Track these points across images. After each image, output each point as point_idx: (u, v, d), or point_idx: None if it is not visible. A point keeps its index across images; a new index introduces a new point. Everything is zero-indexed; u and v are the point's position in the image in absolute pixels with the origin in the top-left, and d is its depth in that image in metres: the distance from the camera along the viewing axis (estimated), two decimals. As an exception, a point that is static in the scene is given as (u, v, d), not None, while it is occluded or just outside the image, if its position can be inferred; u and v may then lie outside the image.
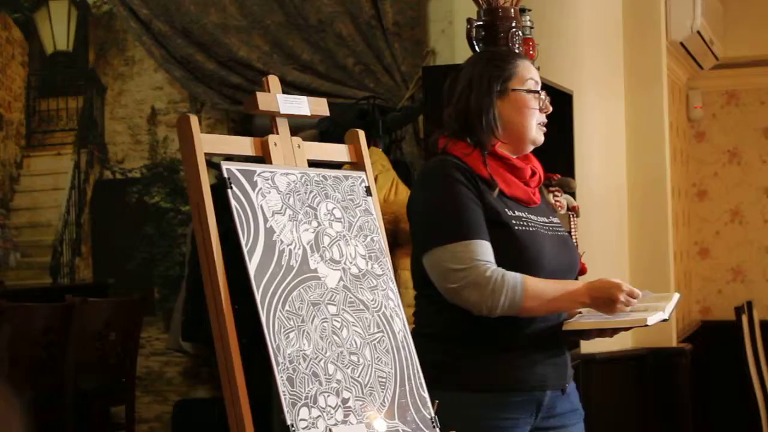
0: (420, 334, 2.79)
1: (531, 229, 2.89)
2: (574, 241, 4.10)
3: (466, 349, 2.86)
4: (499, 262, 2.82)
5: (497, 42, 3.89)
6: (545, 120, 3.01)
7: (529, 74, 2.98)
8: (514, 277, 2.77)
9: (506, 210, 2.88)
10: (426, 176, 2.99)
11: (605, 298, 2.81)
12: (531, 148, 3.01)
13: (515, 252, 2.84)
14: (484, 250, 2.81)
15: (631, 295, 2.80)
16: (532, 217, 2.93)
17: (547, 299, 2.80)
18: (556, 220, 3.03)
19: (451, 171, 2.88)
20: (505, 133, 2.95)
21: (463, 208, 2.84)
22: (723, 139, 7.66)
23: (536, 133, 2.98)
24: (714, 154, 7.67)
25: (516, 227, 2.87)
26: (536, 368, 2.88)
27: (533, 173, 3.00)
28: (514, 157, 2.97)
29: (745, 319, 6.73)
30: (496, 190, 2.89)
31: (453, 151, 2.94)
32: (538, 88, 2.98)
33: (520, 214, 2.90)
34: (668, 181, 5.72)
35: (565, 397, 2.96)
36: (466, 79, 2.98)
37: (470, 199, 2.85)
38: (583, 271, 4.00)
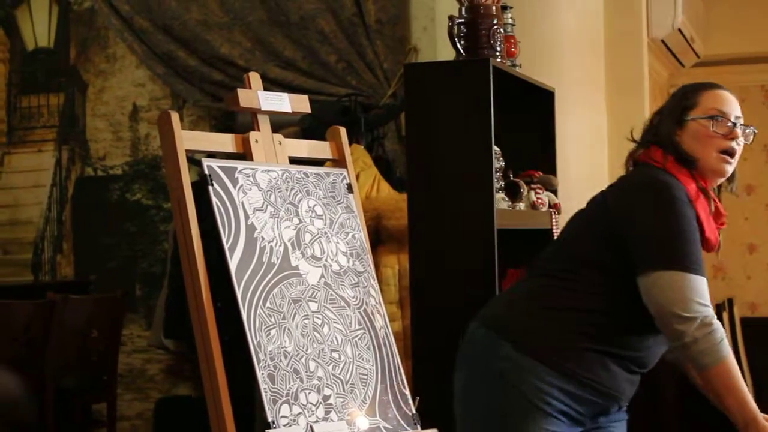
0: (552, 308, 2.84)
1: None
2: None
3: (593, 355, 2.87)
4: None
5: (479, 39, 3.90)
6: (731, 147, 2.96)
7: (713, 104, 2.98)
8: (727, 348, 2.82)
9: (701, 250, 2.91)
10: (655, 187, 2.92)
11: None
12: (717, 180, 3.00)
13: None
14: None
15: None
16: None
17: (727, 389, 2.84)
18: None
19: (684, 199, 2.89)
20: (689, 162, 2.96)
21: (697, 242, 2.87)
22: (704, 137, 7.68)
23: (716, 163, 2.96)
24: (695, 152, 7.69)
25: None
26: (620, 380, 2.91)
27: (722, 216, 3.02)
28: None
29: (726, 316, 6.75)
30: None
31: (678, 176, 2.94)
32: (723, 117, 2.96)
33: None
34: (649, 179, 5.72)
35: (620, 413, 3.04)
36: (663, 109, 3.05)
37: (696, 238, 2.87)
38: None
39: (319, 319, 2.44)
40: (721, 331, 2.82)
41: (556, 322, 2.88)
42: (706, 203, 2.96)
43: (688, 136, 2.97)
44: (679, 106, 3.01)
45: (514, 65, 4.31)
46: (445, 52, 4.25)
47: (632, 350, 2.91)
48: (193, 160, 2.50)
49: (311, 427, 2.29)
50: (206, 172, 2.37)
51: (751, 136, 3.02)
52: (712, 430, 7.00)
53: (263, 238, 2.41)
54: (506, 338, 2.85)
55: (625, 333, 2.86)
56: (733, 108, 3.00)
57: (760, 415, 2.85)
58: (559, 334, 2.88)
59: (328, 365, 2.41)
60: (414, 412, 2.57)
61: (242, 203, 2.40)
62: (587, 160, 5.40)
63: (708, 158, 2.96)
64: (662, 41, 6.29)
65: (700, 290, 2.81)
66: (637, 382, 2.98)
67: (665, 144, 2.98)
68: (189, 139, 2.37)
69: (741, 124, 2.99)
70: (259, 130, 2.56)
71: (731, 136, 2.96)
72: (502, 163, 4.00)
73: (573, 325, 2.86)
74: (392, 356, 2.58)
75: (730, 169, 2.99)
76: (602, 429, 2.98)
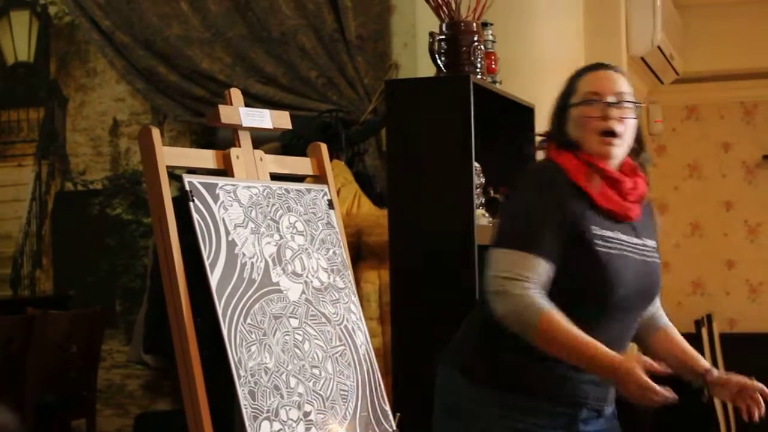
0: (490, 326, 2.81)
1: (614, 251, 2.85)
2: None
3: (519, 354, 2.83)
4: (575, 279, 2.80)
5: (459, 56, 3.91)
6: (609, 128, 2.91)
7: (588, 87, 2.95)
8: (538, 309, 2.71)
9: (593, 228, 2.85)
10: (527, 178, 2.97)
11: (636, 388, 2.71)
12: (608, 162, 2.93)
13: (591, 272, 2.81)
14: (539, 269, 2.77)
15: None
16: (622, 237, 2.89)
17: (566, 348, 2.74)
18: (651, 243, 2.98)
19: (550, 178, 2.88)
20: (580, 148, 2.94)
21: (542, 223, 2.81)
22: (683, 153, 7.72)
23: (597, 146, 2.92)
24: (674, 168, 7.73)
25: (597, 247, 2.83)
26: (579, 385, 2.87)
27: (633, 187, 2.93)
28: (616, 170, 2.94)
29: (705, 331, 6.77)
30: (588, 201, 2.87)
31: (557, 160, 2.94)
32: (598, 98, 2.92)
33: (608, 233, 2.86)
34: (629, 195, 5.74)
35: (603, 419, 2.97)
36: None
37: (553, 215, 2.82)
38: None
39: (300, 335, 2.44)
40: (530, 298, 2.72)
41: (495, 340, 2.85)
42: (599, 178, 2.90)
43: (571, 122, 2.95)
44: (563, 94, 3.00)
45: (494, 82, 4.33)
46: (425, 68, 4.26)
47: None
48: (174, 175, 2.50)
49: (291, 443, 2.29)
50: (187, 187, 2.37)
51: (636, 110, 2.95)
52: (683, 424, 7.03)
53: (244, 254, 2.41)
54: (457, 369, 2.87)
55: None
56: (611, 87, 2.93)
57: (618, 357, 2.71)
58: (499, 351, 2.86)
59: (309, 381, 2.41)
60: (394, 428, 2.57)
61: (223, 219, 2.40)
62: (567, 177, 5.41)
63: (590, 142, 2.91)
64: (642, 59, 6.32)
65: (509, 263, 2.75)
66: (607, 384, 2.89)
67: (553, 133, 2.98)
68: (170, 155, 2.37)
69: (624, 101, 2.92)
70: (240, 146, 2.56)
71: (607, 116, 2.90)
72: (483, 180, 4.01)
73: (510, 339, 2.81)
74: (373, 372, 2.58)
75: (615, 150, 2.91)
76: None
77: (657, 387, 2.66)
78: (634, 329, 3.01)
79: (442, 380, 2.91)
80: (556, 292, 2.77)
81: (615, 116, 2.90)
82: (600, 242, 2.83)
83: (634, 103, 2.94)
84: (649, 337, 3.12)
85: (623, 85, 2.96)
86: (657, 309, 3.16)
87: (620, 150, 2.93)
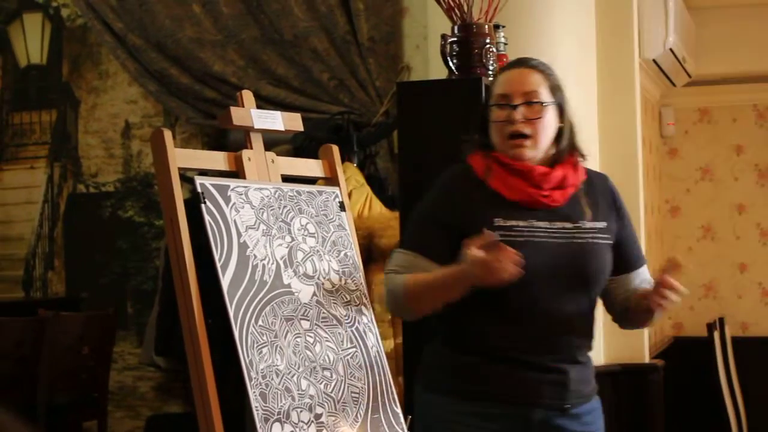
0: (435, 334, 2.84)
1: (520, 238, 2.85)
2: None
3: (459, 356, 2.84)
4: None
5: (471, 58, 3.91)
6: (515, 131, 2.90)
7: (497, 89, 2.96)
8: (398, 278, 2.75)
9: (496, 220, 2.86)
10: (436, 181, 3.01)
11: (486, 271, 2.68)
12: (523, 159, 2.92)
13: None
14: (416, 263, 2.80)
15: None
16: (538, 223, 2.89)
17: (429, 289, 2.74)
18: (589, 224, 2.94)
19: (449, 179, 2.93)
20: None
21: (426, 224, 2.88)
22: (695, 156, 7.70)
23: (508, 149, 2.92)
24: (686, 171, 7.70)
25: (501, 238, 2.82)
26: (524, 384, 2.85)
27: (547, 173, 2.91)
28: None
29: (717, 335, 6.75)
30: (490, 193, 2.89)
31: (470, 160, 2.97)
32: (505, 101, 2.91)
33: (515, 222, 2.87)
34: (641, 198, 5.73)
35: (572, 419, 2.92)
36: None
37: (442, 215, 2.86)
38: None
39: (311, 337, 2.44)
40: (389, 278, 2.75)
41: (438, 345, 2.89)
42: (504, 172, 2.90)
43: (489, 124, 2.96)
44: (487, 97, 3.01)
45: (506, 84, 4.32)
46: (437, 70, 4.26)
47: (504, 343, 2.84)
48: (186, 177, 2.50)
49: (303, 445, 2.29)
50: (199, 189, 2.37)
51: (544, 109, 2.91)
52: (695, 428, 6.99)
53: (255, 256, 2.40)
54: (419, 383, 2.88)
55: (482, 328, 2.80)
56: (519, 87, 2.92)
57: (457, 267, 2.72)
58: (441, 358, 2.87)
59: (320, 383, 2.41)
60: (405, 430, 2.56)
61: (235, 221, 2.40)
62: (579, 179, 5.40)
63: (502, 145, 2.93)
64: (654, 61, 6.31)
65: (395, 261, 2.80)
66: (563, 380, 2.88)
67: (474, 134, 3.00)
68: (182, 157, 2.37)
69: (531, 102, 2.90)
70: (251, 148, 2.56)
71: (513, 120, 2.89)
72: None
73: (448, 342, 2.84)
74: (384, 375, 2.58)
75: (526, 152, 2.90)
76: None
77: (492, 254, 2.65)
78: (582, 313, 2.95)
79: (414, 398, 2.92)
80: (473, 294, 2.77)
81: (520, 119, 2.90)
82: (502, 232, 2.82)
83: (542, 103, 2.91)
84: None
85: (533, 83, 2.95)
86: (637, 285, 3.07)
87: (532, 151, 2.92)
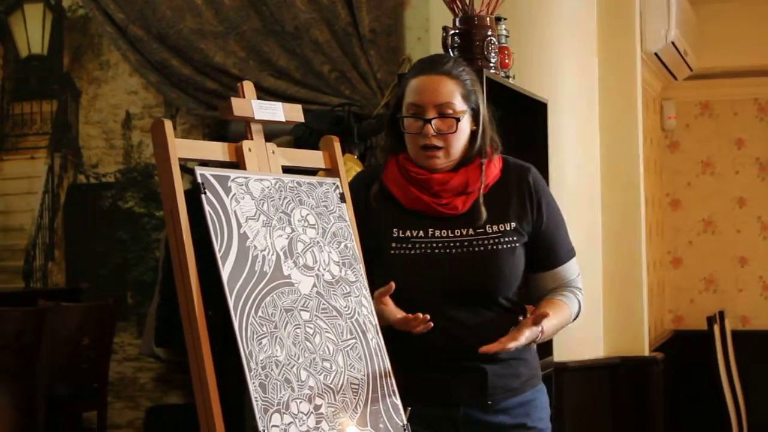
0: None
1: (413, 251, 2.85)
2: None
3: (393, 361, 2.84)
4: (378, 286, 2.78)
5: (473, 50, 3.91)
6: (426, 144, 2.85)
7: (409, 98, 2.88)
8: None
9: (394, 230, 2.87)
10: None
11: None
12: (437, 170, 2.88)
13: (385, 278, 2.77)
14: None
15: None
16: (438, 232, 2.86)
17: None
18: (494, 229, 2.88)
19: (356, 185, 2.91)
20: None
21: None
22: (696, 150, 7.70)
23: (421, 159, 2.88)
24: (687, 164, 7.71)
25: (392, 251, 2.85)
26: (440, 385, 2.86)
27: (446, 181, 2.87)
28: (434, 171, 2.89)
29: (717, 328, 6.76)
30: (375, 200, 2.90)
31: (386, 163, 2.97)
32: (417, 112, 2.86)
33: (411, 233, 2.86)
34: (642, 191, 5.74)
35: (502, 413, 2.91)
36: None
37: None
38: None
39: (311, 328, 2.44)
40: None
41: None
42: (404, 179, 2.89)
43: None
44: (397, 95, 2.95)
45: (507, 76, 4.32)
46: (438, 62, 4.24)
47: (416, 352, 2.84)
48: (186, 168, 2.49)
49: (302, 436, 2.29)
50: (199, 180, 2.36)
51: (457, 124, 2.83)
52: (695, 420, 7.01)
53: (255, 247, 2.40)
54: None
55: (397, 338, 2.74)
56: (432, 98, 2.84)
57: (393, 315, 2.75)
58: None
59: (320, 375, 2.41)
60: (405, 422, 2.57)
61: (235, 212, 2.40)
62: (580, 172, 5.41)
63: (414, 154, 2.89)
64: (655, 54, 6.31)
65: None
66: (480, 379, 2.86)
67: (388, 133, 2.98)
68: (182, 148, 2.37)
69: (438, 116, 2.83)
70: (252, 139, 2.56)
71: (427, 133, 2.84)
72: (495, 174, 4.00)
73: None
74: (383, 366, 2.58)
75: (438, 162, 2.86)
76: None
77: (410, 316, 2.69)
78: (493, 318, 2.89)
79: None
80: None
81: (433, 133, 2.84)
82: (395, 244, 2.84)
83: (456, 119, 2.84)
84: None
85: (446, 93, 2.86)
86: (556, 290, 3.02)
87: (444, 160, 2.87)
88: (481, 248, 2.86)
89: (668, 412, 5.82)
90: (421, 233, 2.87)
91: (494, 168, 2.95)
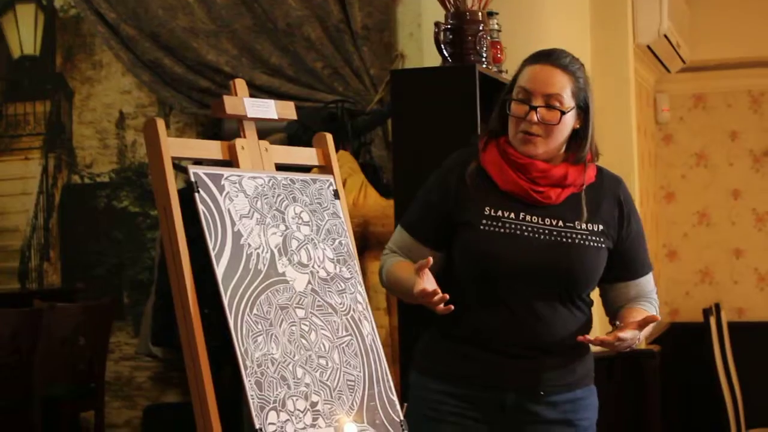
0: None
1: (503, 230, 2.88)
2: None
3: (438, 339, 2.92)
4: (460, 259, 2.89)
5: (465, 45, 3.91)
6: (527, 130, 2.91)
7: (522, 81, 2.95)
8: (387, 262, 2.92)
9: (486, 208, 2.89)
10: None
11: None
12: (531, 156, 2.93)
13: (472, 250, 2.87)
14: (407, 243, 2.94)
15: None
16: (529, 217, 2.91)
17: (397, 287, 2.88)
18: (582, 226, 2.93)
19: (453, 163, 3.00)
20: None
21: (420, 202, 2.99)
22: (690, 142, 7.70)
23: (517, 143, 2.92)
24: (682, 157, 7.71)
25: (482, 227, 2.88)
26: (494, 368, 2.89)
27: (547, 170, 2.92)
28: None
29: (713, 320, 6.76)
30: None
31: (481, 146, 3.00)
32: (526, 96, 2.91)
33: (503, 213, 2.89)
34: (636, 184, 5.74)
35: (547, 406, 2.95)
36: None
37: (434, 196, 2.96)
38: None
39: (306, 325, 2.44)
40: (384, 258, 2.96)
41: (428, 330, 3.00)
42: (503, 161, 2.94)
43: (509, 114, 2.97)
44: (514, 77, 3.02)
45: (500, 71, 4.32)
46: (431, 58, 4.26)
47: (479, 329, 2.89)
48: (180, 167, 2.49)
49: (299, 433, 2.29)
50: (192, 179, 2.36)
51: (560, 118, 2.90)
52: (691, 412, 7.01)
53: (250, 245, 2.40)
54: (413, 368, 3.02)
55: (457, 310, 2.77)
56: (542, 87, 2.91)
57: (417, 285, 2.74)
58: (428, 340, 2.99)
59: (316, 372, 2.41)
60: (402, 418, 2.57)
61: (228, 210, 2.40)
62: (574, 166, 5.41)
63: (513, 137, 2.94)
64: (648, 47, 6.31)
65: (392, 238, 2.99)
66: (535, 367, 2.92)
67: (491, 117, 3.04)
68: (175, 146, 2.37)
69: (545, 105, 2.90)
70: (245, 137, 2.56)
71: (530, 119, 2.90)
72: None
73: (435, 326, 2.94)
74: (380, 362, 2.58)
75: (533, 149, 2.91)
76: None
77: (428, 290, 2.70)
78: (562, 310, 2.95)
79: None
80: (450, 272, 2.91)
81: (537, 121, 2.89)
82: (486, 221, 2.88)
83: (562, 112, 2.90)
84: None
85: (558, 85, 2.92)
86: (636, 300, 3.08)
87: (542, 148, 2.92)
88: (569, 240, 2.91)
89: (665, 404, 5.82)
90: (512, 215, 2.91)
91: (591, 171, 3.02)
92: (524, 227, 2.90)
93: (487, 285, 2.86)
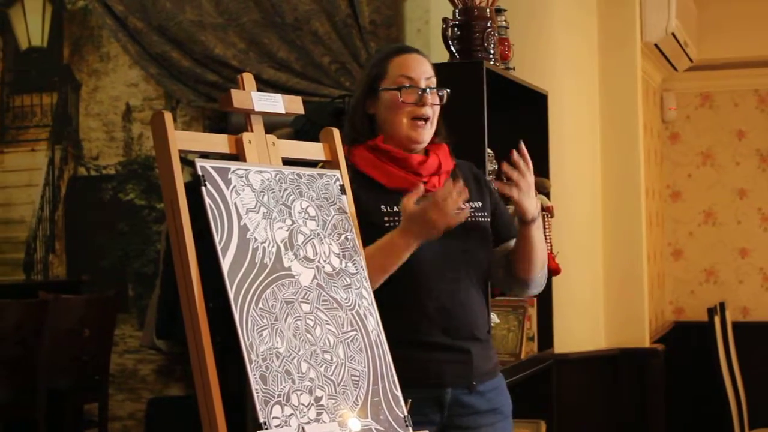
0: None
1: None
2: (548, 240, 4.11)
3: None
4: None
5: (472, 42, 3.91)
6: (423, 114, 2.98)
7: (400, 71, 2.99)
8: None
9: (382, 207, 2.93)
10: None
11: (424, 222, 2.77)
12: (416, 146, 3.01)
13: None
14: None
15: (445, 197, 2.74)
16: None
17: (371, 259, 2.75)
18: (472, 204, 2.98)
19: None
20: (383, 131, 3.01)
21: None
22: (697, 141, 7.70)
23: (408, 129, 2.98)
24: (688, 156, 7.70)
25: (387, 224, 2.90)
26: (431, 365, 2.91)
27: (424, 161, 2.99)
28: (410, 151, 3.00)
29: (717, 320, 6.76)
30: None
31: (350, 155, 2.99)
32: (411, 83, 2.97)
33: (398, 208, 2.89)
34: (642, 182, 5.74)
35: (478, 396, 2.98)
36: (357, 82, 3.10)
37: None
38: (557, 272, 4.02)
39: (312, 320, 2.44)
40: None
41: None
42: (383, 160, 2.98)
43: (382, 105, 3.00)
44: (371, 77, 3.03)
45: (507, 68, 4.32)
46: (438, 54, 4.26)
47: (406, 327, 2.87)
48: (186, 160, 2.49)
49: (303, 428, 2.29)
50: (199, 172, 2.36)
51: (445, 97, 3.02)
52: (695, 412, 7.01)
53: (256, 239, 2.40)
54: None
55: (386, 315, 2.70)
56: (422, 72, 3.00)
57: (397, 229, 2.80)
58: None
59: (320, 366, 2.41)
60: (406, 414, 2.57)
61: (235, 204, 2.40)
62: (580, 164, 5.41)
63: (400, 126, 2.98)
64: (656, 45, 6.30)
65: None
66: (467, 359, 2.94)
67: (353, 115, 3.04)
68: (182, 140, 2.37)
69: (432, 88, 2.99)
70: (252, 131, 2.56)
71: (421, 103, 2.97)
72: (495, 166, 4.01)
73: None
74: (384, 358, 2.58)
75: (424, 134, 3.00)
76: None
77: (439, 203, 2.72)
78: (476, 291, 3.01)
79: None
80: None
81: (428, 102, 2.98)
82: (388, 218, 2.91)
83: (444, 91, 3.01)
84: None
85: (431, 70, 3.03)
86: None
87: (428, 133, 3.01)
88: (469, 220, 2.95)
89: (668, 403, 5.82)
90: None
91: (448, 153, 3.10)
92: None
93: (409, 281, 2.87)
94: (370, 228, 2.85)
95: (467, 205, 2.82)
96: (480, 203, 3.07)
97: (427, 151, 3.04)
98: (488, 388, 3.02)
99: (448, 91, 3.04)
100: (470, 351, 2.97)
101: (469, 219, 2.95)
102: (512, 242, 3.10)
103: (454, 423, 2.96)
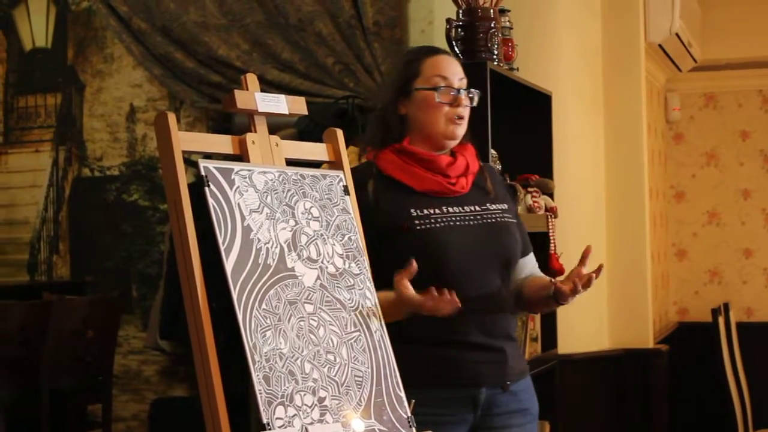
0: None
1: (438, 225, 2.92)
2: (552, 241, 4.11)
3: (399, 346, 2.83)
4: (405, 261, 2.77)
5: (476, 42, 3.91)
6: (459, 114, 3.00)
7: (435, 71, 3.00)
8: None
9: (412, 210, 2.92)
10: None
11: (418, 310, 2.70)
12: (449, 143, 3.02)
13: (419, 252, 2.80)
14: None
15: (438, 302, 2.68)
16: (451, 209, 2.96)
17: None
18: (494, 206, 3.03)
19: (358, 179, 2.86)
20: (414, 131, 3.01)
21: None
22: (701, 141, 7.69)
23: (445, 127, 2.99)
24: (692, 156, 7.70)
25: (418, 227, 2.90)
26: (467, 365, 2.91)
27: (452, 163, 3.00)
28: (438, 153, 3.01)
29: (721, 320, 6.75)
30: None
31: (374, 158, 3.02)
32: (447, 84, 2.99)
33: (430, 210, 2.92)
34: (646, 183, 5.74)
35: (510, 396, 2.98)
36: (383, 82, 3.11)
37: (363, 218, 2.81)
38: (561, 272, 4.02)
39: (315, 321, 2.44)
40: None
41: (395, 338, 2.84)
42: (410, 164, 2.98)
43: (414, 106, 3.00)
44: (404, 77, 3.03)
45: (511, 68, 4.32)
46: (442, 55, 4.25)
47: (440, 327, 2.84)
48: (190, 161, 2.49)
49: (306, 428, 2.29)
50: (203, 173, 2.36)
51: (476, 99, 3.04)
52: (699, 412, 7.00)
53: (259, 240, 2.40)
54: None
55: (419, 316, 2.74)
56: (455, 72, 3.02)
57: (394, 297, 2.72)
58: (398, 350, 2.80)
59: (324, 367, 2.41)
60: (409, 414, 2.57)
61: (238, 204, 2.40)
62: (584, 164, 5.41)
63: (437, 124, 2.98)
64: (659, 46, 6.30)
65: None
66: (502, 358, 2.94)
67: (384, 115, 3.04)
68: (186, 141, 2.37)
69: (464, 89, 3.01)
70: (255, 132, 2.56)
71: (456, 104, 2.99)
72: (499, 167, 4.01)
73: (397, 333, 2.72)
74: (387, 359, 2.58)
75: (460, 131, 3.01)
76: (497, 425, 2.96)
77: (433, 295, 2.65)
78: (507, 289, 3.01)
79: None
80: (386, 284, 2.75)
81: (462, 103, 3.00)
82: (419, 221, 2.91)
83: (474, 92, 3.03)
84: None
85: (462, 71, 3.05)
86: (531, 272, 3.14)
87: (463, 131, 3.03)
88: (494, 220, 2.99)
89: (672, 403, 5.82)
90: (437, 210, 2.95)
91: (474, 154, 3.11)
92: (453, 218, 2.95)
93: (441, 281, 2.78)
94: (403, 233, 2.88)
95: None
96: (505, 205, 3.08)
97: (453, 153, 3.05)
98: (520, 387, 3.02)
99: (479, 92, 3.06)
100: (505, 350, 2.97)
101: (499, 219, 3.00)
102: (526, 260, 3.10)
103: (486, 423, 2.96)
